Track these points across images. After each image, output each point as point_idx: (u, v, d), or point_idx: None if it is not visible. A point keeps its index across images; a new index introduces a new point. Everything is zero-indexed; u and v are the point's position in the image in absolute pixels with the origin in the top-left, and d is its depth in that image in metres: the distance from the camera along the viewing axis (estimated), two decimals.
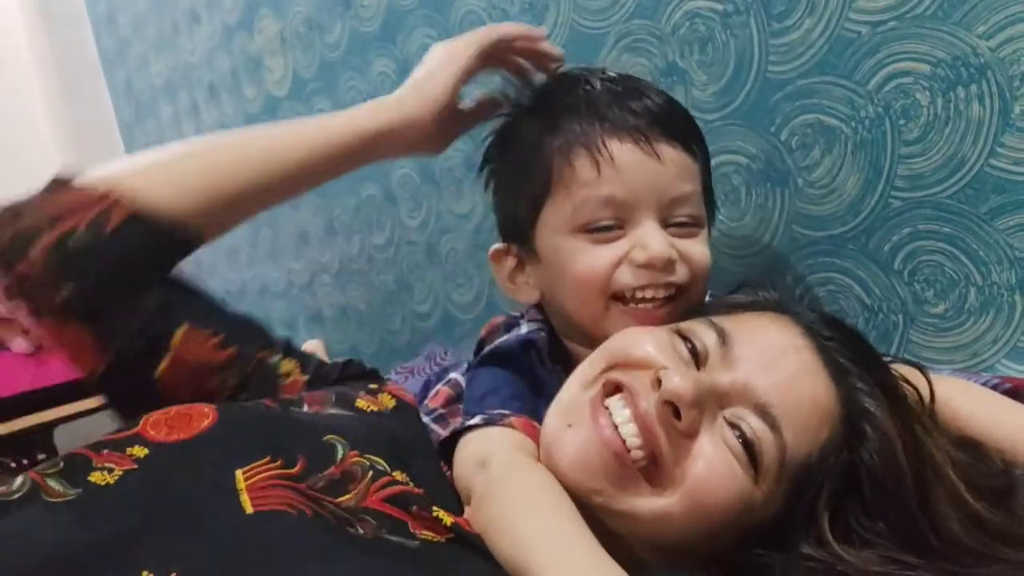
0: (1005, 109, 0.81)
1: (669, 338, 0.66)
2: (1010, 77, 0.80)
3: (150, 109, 2.67)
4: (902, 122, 0.89)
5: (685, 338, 0.65)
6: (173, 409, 0.64)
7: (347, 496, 0.58)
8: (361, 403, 0.72)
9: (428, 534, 0.58)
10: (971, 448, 0.69)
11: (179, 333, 0.71)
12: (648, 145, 0.77)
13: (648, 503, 0.60)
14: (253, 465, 0.57)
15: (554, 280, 0.80)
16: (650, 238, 0.75)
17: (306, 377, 0.77)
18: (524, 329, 0.85)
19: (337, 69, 1.73)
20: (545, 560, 0.55)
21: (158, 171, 0.75)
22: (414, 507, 0.59)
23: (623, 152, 0.77)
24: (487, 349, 0.86)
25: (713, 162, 1.08)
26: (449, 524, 0.59)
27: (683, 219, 0.79)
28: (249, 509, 0.53)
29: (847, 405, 0.64)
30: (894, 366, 0.72)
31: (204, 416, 0.62)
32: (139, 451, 0.59)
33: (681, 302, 0.78)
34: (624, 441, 0.60)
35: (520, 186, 0.82)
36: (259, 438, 0.61)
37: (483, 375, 0.82)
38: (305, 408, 0.70)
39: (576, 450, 0.62)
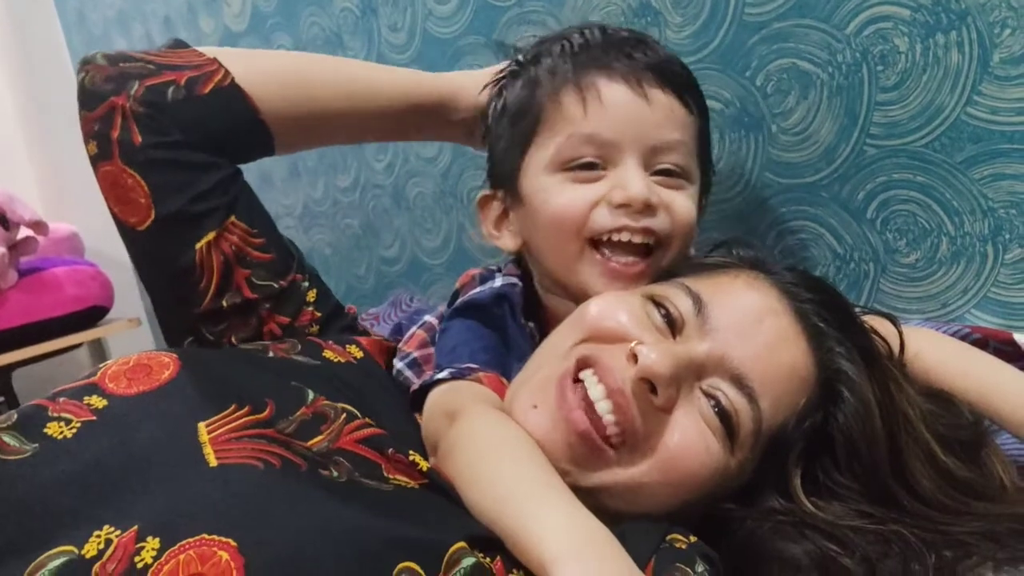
0: (984, 57, 0.79)
1: (643, 306, 0.64)
2: (990, 24, 0.78)
3: (103, 42, 2.57)
4: (880, 68, 0.87)
5: (659, 304, 0.64)
6: (132, 359, 0.61)
7: (319, 438, 0.57)
8: (328, 353, 0.70)
9: (402, 479, 0.57)
10: (941, 400, 0.69)
11: (229, 219, 0.72)
12: (639, 87, 0.76)
13: (619, 476, 0.60)
14: (217, 416, 0.56)
15: (533, 222, 0.79)
16: (630, 178, 0.74)
17: (321, 314, 0.76)
18: (498, 282, 0.84)
19: (298, 4, 1.67)
20: (520, 510, 0.54)
21: (264, 62, 0.78)
22: (389, 450, 0.58)
23: (611, 91, 0.76)
24: (460, 300, 0.84)
25: None
26: (425, 469, 0.58)
27: (669, 167, 0.77)
28: (213, 462, 0.52)
29: (823, 368, 0.63)
30: (866, 317, 0.72)
31: (165, 367, 0.60)
32: (97, 402, 0.56)
33: (657, 256, 0.76)
34: (597, 420, 0.59)
35: (511, 129, 0.81)
36: (223, 387, 0.59)
37: (454, 327, 0.80)
38: (271, 354, 0.68)
39: (541, 433, 0.60)
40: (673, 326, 0.63)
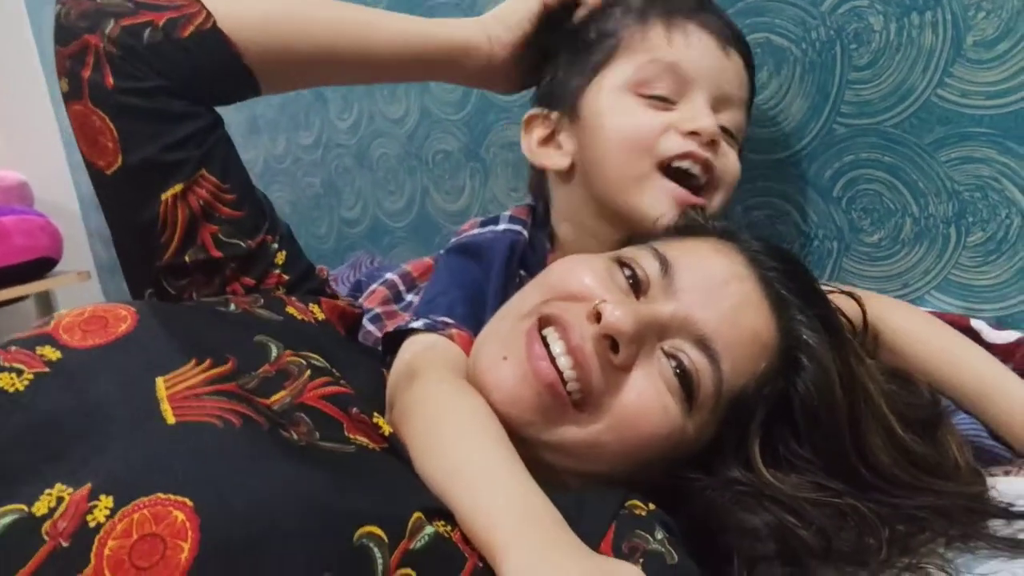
0: (958, 39, 0.79)
1: (607, 267, 0.64)
2: (965, 6, 0.79)
3: None
4: (853, 47, 0.87)
5: (625, 265, 0.64)
6: (87, 310, 0.59)
7: (282, 393, 0.55)
8: (291, 310, 0.69)
9: (363, 439, 0.56)
10: (901, 379, 0.70)
11: (199, 172, 0.69)
12: (722, 40, 0.80)
13: (577, 433, 0.59)
14: (176, 372, 0.53)
15: (595, 141, 0.79)
16: (700, 112, 0.77)
17: (289, 277, 0.73)
18: (502, 226, 0.83)
19: None
20: (468, 486, 0.53)
21: (250, 2, 0.74)
22: (353, 409, 0.57)
23: (698, 35, 0.79)
24: (457, 239, 0.83)
25: None
26: (387, 433, 0.57)
27: (727, 125, 0.80)
28: (171, 420, 0.50)
29: (786, 336, 0.63)
30: (831, 293, 0.72)
31: (121, 320, 0.58)
32: (51, 353, 0.54)
33: (707, 198, 0.79)
34: (560, 373, 0.59)
35: (582, 53, 0.82)
36: (183, 341, 0.57)
37: (445, 266, 0.80)
38: (232, 307, 0.66)
39: (511, 384, 0.60)
40: (638, 288, 0.62)
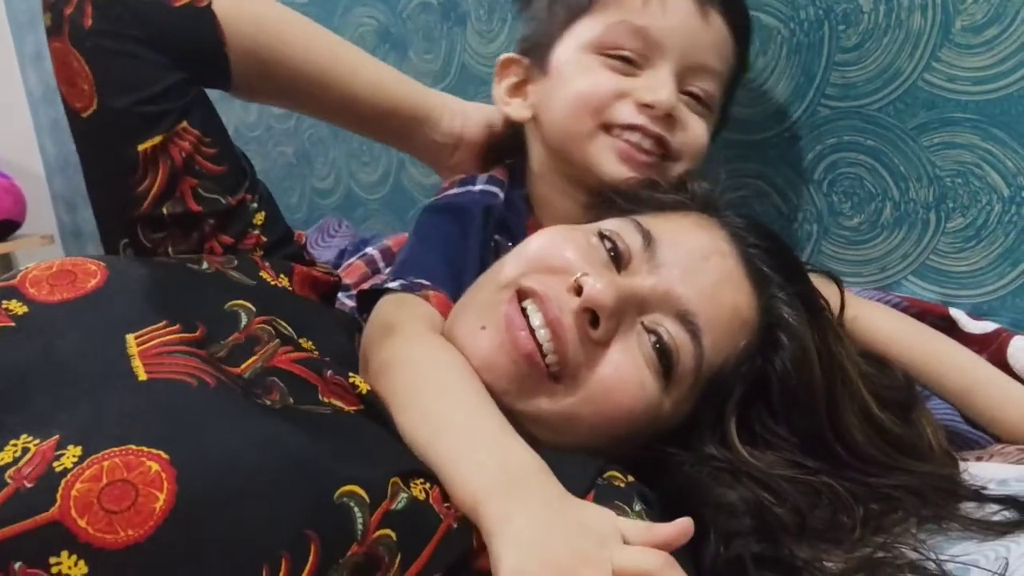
0: (946, 23, 0.79)
1: (588, 240, 0.63)
2: None
3: None
4: (841, 27, 0.86)
5: (606, 238, 0.63)
6: (55, 264, 0.57)
7: (252, 359, 0.54)
8: (264, 275, 0.67)
9: (338, 403, 0.54)
10: (876, 362, 0.70)
11: (180, 125, 0.67)
12: (703, 6, 0.77)
13: (553, 405, 0.59)
14: (147, 330, 0.52)
15: (554, 94, 0.78)
16: (661, 83, 0.75)
17: (267, 239, 0.71)
18: (478, 187, 0.81)
19: None
20: (451, 443, 0.53)
21: (250, 4, 0.73)
22: (328, 372, 0.55)
23: None
24: (435, 199, 0.82)
25: None
26: (364, 392, 0.56)
27: (698, 91, 0.78)
28: (142, 376, 0.48)
29: (766, 314, 0.63)
30: (811, 275, 0.72)
31: (91, 275, 0.56)
32: (17, 307, 0.52)
33: (665, 167, 0.77)
34: (540, 345, 0.58)
35: (560, 4, 0.80)
36: (154, 301, 0.55)
37: (423, 226, 0.79)
38: (205, 266, 0.64)
39: (488, 352, 0.59)
40: (619, 261, 0.61)
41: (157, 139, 0.66)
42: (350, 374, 0.56)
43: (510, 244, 0.77)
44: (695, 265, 0.61)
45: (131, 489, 0.42)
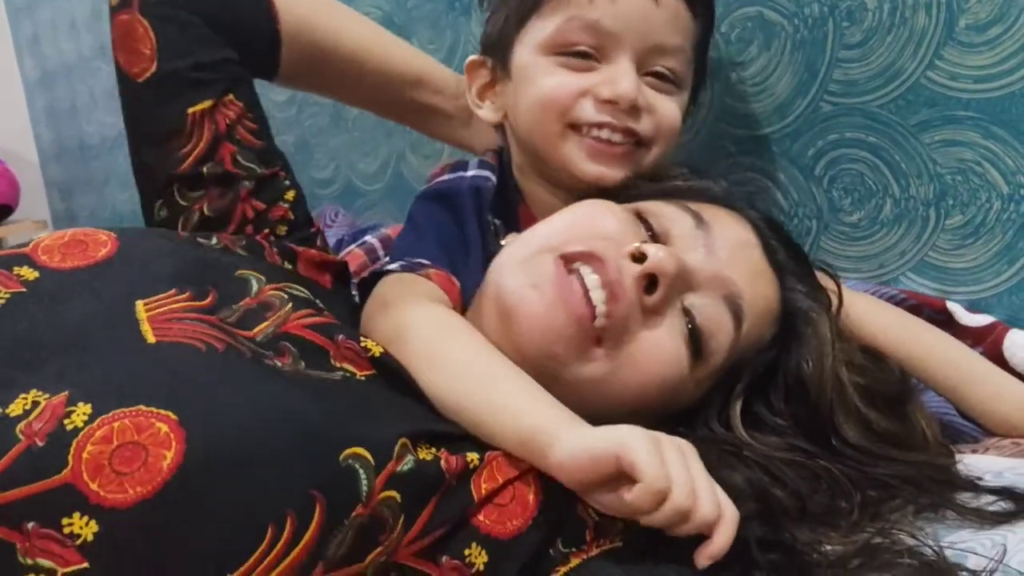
0: (951, 21, 0.80)
1: (628, 218, 0.64)
2: None
3: None
4: (846, 24, 0.87)
5: (644, 220, 0.63)
6: (67, 234, 0.58)
7: (264, 324, 0.54)
8: (269, 258, 0.68)
9: (349, 368, 0.55)
10: (872, 356, 0.70)
11: (228, 96, 0.72)
12: None
13: (593, 369, 0.59)
14: (157, 297, 0.52)
15: (518, 99, 0.78)
16: (621, 75, 0.74)
17: (294, 217, 0.75)
18: (471, 173, 0.82)
19: None
20: (496, 390, 0.55)
21: None
22: (339, 336, 0.56)
23: None
24: (427, 187, 0.82)
25: None
26: (377, 355, 0.56)
27: (662, 70, 0.77)
28: (151, 339, 0.49)
29: (786, 306, 0.64)
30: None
31: (102, 245, 0.57)
32: (28, 273, 0.53)
33: (640, 154, 0.76)
34: (593, 307, 0.58)
35: (513, 4, 0.80)
36: (164, 270, 0.56)
37: (416, 214, 0.79)
38: (214, 241, 0.65)
39: (544, 313, 0.58)
40: (658, 241, 0.62)
41: (207, 103, 0.71)
42: (362, 337, 0.57)
43: (507, 228, 0.77)
44: (736, 252, 0.63)
45: (141, 451, 0.43)
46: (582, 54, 0.75)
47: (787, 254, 0.66)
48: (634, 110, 0.74)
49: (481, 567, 0.49)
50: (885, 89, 0.86)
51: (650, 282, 0.58)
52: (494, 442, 0.54)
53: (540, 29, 0.76)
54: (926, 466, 0.63)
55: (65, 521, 0.41)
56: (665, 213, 0.64)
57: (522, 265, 0.62)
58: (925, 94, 0.83)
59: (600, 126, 0.74)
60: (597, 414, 0.60)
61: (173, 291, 0.53)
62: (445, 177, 0.82)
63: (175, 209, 0.71)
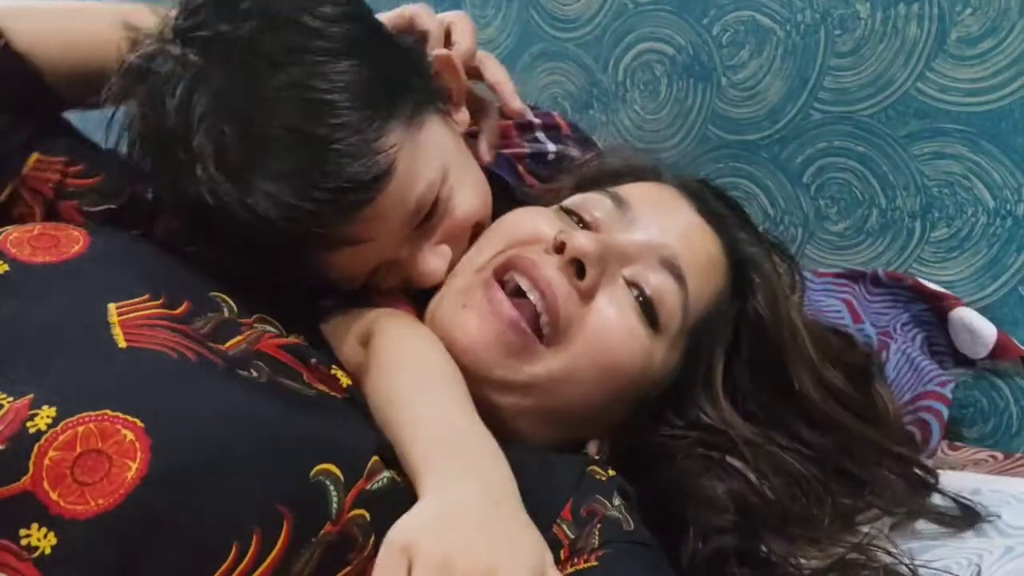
0: (942, 33, 0.80)
1: (555, 216, 0.64)
2: (953, 1, 0.78)
3: None
4: (838, 32, 0.87)
5: (572, 213, 0.64)
6: (37, 228, 0.56)
7: (238, 339, 0.53)
8: None
9: (324, 388, 0.54)
10: (840, 334, 0.72)
11: (31, 161, 0.63)
12: None
13: (549, 367, 0.58)
14: (130, 301, 0.51)
15: None
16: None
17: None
18: None
19: None
20: (406, 415, 0.52)
21: (44, 18, 0.66)
22: (312, 360, 0.55)
23: None
24: None
25: (638, 49, 1.04)
26: (346, 385, 0.55)
27: (430, 209, 0.63)
28: (123, 344, 0.47)
29: (732, 255, 0.65)
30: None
31: (73, 241, 0.55)
32: None
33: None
34: (524, 309, 0.58)
35: None
36: (137, 273, 0.54)
37: None
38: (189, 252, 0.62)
39: (474, 328, 0.59)
40: (589, 229, 0.63)
41: (10, 185, 0.63)
42: (333, 366, 0.56)
43: None
44: (666, 217, 0.63)
45: (105, 460, 0.41)
46: None
47: (721, 205, 0.68)
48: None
49: None
50: (875, 99, 0.85)
51: (579, 268, 0.58)
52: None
53: None
54: (889, 454, 0.64)
55: (23, 532, 0.39)
56: (585, 202, 0.64)
57: (454, 290, 0.63)
58: (915, 105, 0.82)
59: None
60: (571, 412, 0.59)
61: (147, 296, 0.52)
62: None
63: None
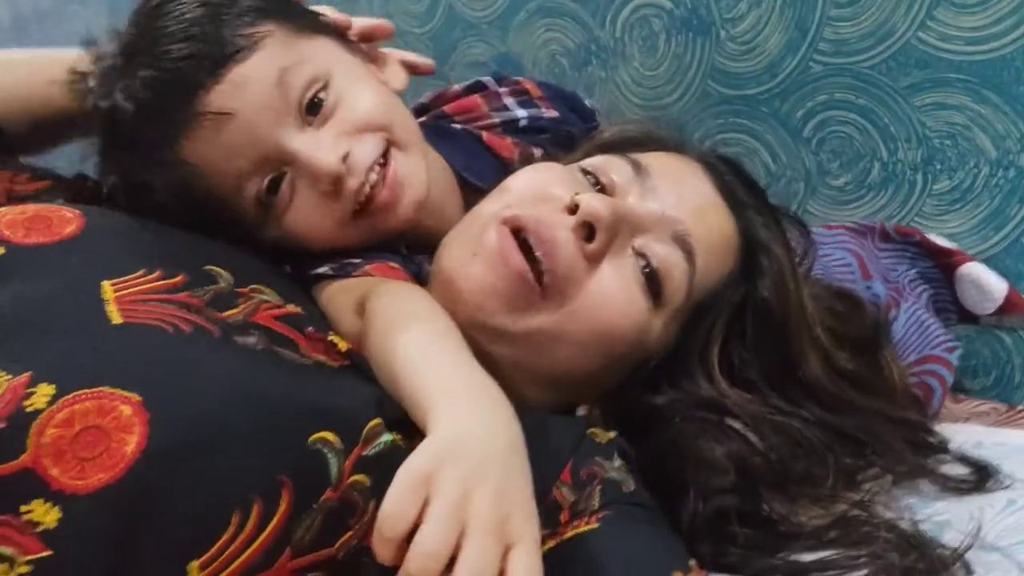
0: None
1: (572, 175, 0.63)
2: None
3: None
4: None
5: (589, 174, 0.63)
6: (30, 209, 0.56)
7: (234, 310, 0.53)
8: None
9: (321, 357, 0.54)
10: (848, 299, 0.71)
11: None
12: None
13: (544, 321, 0.58)
14: (124, 278, 0.51)
15: None
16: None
17: None
18: None
19: None
20: (411, 367, 0.51)
21: None
22: (308, 328, 0.55)
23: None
24: None
25: (635, 3, 1.03)
26: (344, 350, 0.55)
27: (311, 101, 0.65)
28: (117, 320, 0.47)
29: (745, 237, 0.64)
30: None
31: (67, 222, 0.55)
32: None
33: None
34: (534, 264, 0.57)
35: None
36: (132, 249, 0.54)
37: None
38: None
39: (481, 274, 0.58)
40: (605, 193, 0.62)
41: None
42: (330, 332, 0.56)
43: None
44: (683, 191, 0.63)
45: (104, 436, 0.42)
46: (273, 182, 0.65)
47: (741, 186, 0.67)
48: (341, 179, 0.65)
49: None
50: (876, 49, 0.84)
51: (588, 231, 0.58)
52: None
53: None
54: (897, 423, 0.63)
55: (24, 508, 0.40)
56: (605, 164, 0.64)
57: (465, 238, 0.62)
58: (916, 55, 0.81)
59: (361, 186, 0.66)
60: (566, 370, 0.60)
61: (142, 271, 0.52)
62: None
63: None
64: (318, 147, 0.64)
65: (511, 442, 0.46)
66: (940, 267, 0.82)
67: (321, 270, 0.67)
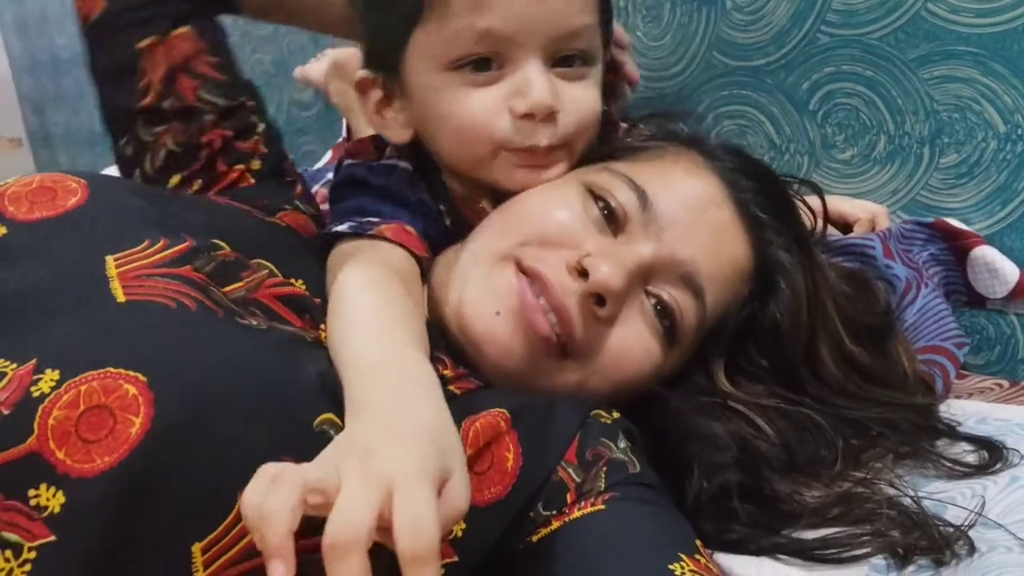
0: None
1: (581, 200, 0.61)
2: None
3: None
4: None
5: (598, 197, 0.61)
6: (35, 180, 0.55)
7: (238, 284, 0.53)
8: (250, 216, 0.65)
9: (321, 336, 0.54)
10: (859, 282, 0.70)
11: (181, 30, 0.70)
12: None
13: (567, 378, 0.59)
14: (128, 252, 0.50)
15: (429, 123, 0.70)
16: (532, 82, 0.65)
17: (267, 150, 0.72)
18: (387, 162, 0.73)
19: None
20: (351, 352, 0.49)
21: None
22: (307, 315, 0.54)
23: None
24: (337, 177, 0.74)
25: None
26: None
27: (573, 53, 0.67)
28: (121, 298, 0.47)
29: (761, 258, 0.63)
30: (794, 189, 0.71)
31: (71, 193, 0.54)
32: None
33: (565, 151, 0.68)
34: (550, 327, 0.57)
35: (391, 14, 0.69)
36: (137, 220, 0.54)
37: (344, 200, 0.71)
38: (190, 191, 0.62)
39: (506, 338, 0.57)
40: (614, 221, 0.60)
41: (154, 39, 0.69)
42: (322, 325, 0.55)
43: (442, 207, 0.73)
44: (693, 220, 0.60)
45: (108, 416, 0.41)
46: (482, 62, 0.65)
47: (765, 203, 0.64)
48: (551, 116, 0.66)
49: (459, 534, 0.48)
50: (885, 20, 0.83)
51: (599, 298, 0.56)
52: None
53: (429, 43, 0.67)
54: (903, 409, 0.63)
55: (31, 492, 0.40)
56: (611, 188, 0.61)
57: (482, 285, 0.60)
58: (925, 27, 0.80)
59: (528, 150, 0.66)
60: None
61: (146, 242, 0.51)
62: (354, 165, 0.74)
63: (139, 145, 0.69)
64: (550, 83, 0.64)
65: (400, 431, 0.42)
66: (952, 249, 0.81)
67: (341, 227, 0.66)
